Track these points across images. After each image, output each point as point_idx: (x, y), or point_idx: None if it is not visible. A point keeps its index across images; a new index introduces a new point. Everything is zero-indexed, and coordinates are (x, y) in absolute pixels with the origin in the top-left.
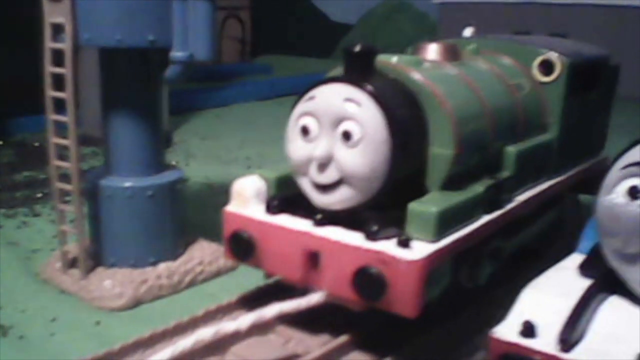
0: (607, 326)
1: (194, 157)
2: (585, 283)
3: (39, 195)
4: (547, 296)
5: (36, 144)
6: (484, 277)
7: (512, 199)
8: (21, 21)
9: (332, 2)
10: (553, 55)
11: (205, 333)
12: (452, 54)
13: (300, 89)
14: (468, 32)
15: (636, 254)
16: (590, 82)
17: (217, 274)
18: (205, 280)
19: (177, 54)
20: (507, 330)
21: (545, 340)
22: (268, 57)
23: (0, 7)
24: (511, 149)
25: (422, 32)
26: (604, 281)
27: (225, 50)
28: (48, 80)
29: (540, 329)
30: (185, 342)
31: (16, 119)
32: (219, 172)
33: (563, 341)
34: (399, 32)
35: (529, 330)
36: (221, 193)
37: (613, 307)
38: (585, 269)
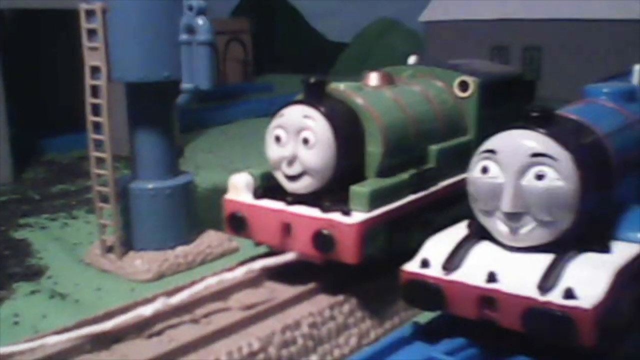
0: (475, 259)
1: (202, 168)
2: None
3: (74, 203)
4: (440, 242)
5: (65, 162)
6: (416, 242)
7: (436, 184)
8: (60, 62)
9: (328, 22)
10: (468, 77)
11: (212, 280)
12: (388, 79)
13: None
14: (412, 59)
15: (490, 210)
16: (501, 96)
17: (223, 255)
18: (213, 259)
19: (185, 85)
20: (411, 265)
21: (435, 269)
22: (269, 76)
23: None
24: (433, 147)
25: (412, 48)
26: (477, 231)
27: (229, 71)
28: (88, 109)
29: (432, 263)
30: (198, 287)
31: (45, 139)
32: (224, 180)
33: (444, 268)
34: (391, 49)
35: (425, 263)
36: None
37: (480, 247)
38: (470, 226)
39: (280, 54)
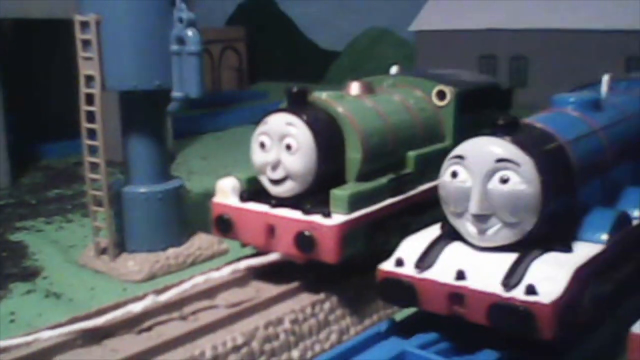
0: (446, 258)
1: (195, 173)
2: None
3: (69, 207)
4: (414, 243)
5: (60, 167)
6: (395, 243)
7: (414, 188)
8: (56, 71)
9: (321, 31)
10: (445, 86)
11: (199, 279)
12: (368, 89)
13: None
14: (394, 69)
15: (460, 212)
16: (478, 104)
17: (212, 256)
18: (203, 261)
19: (176, 93)
20: (387, 264)
21: (408, 268)
22: (263, 84)
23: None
24: (411, 153)
25: (403, 57)
26: (449, 233)
27: (224, 79)
28: (83, 116)
29: (406, 262)
30: (186, 285)
31: (41, 146)
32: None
33: (417, 267)
34: (382, 57)
35: (399, 262)
36: None
37: (451, 247)
38: (443, 227)
39: (274, 62)
